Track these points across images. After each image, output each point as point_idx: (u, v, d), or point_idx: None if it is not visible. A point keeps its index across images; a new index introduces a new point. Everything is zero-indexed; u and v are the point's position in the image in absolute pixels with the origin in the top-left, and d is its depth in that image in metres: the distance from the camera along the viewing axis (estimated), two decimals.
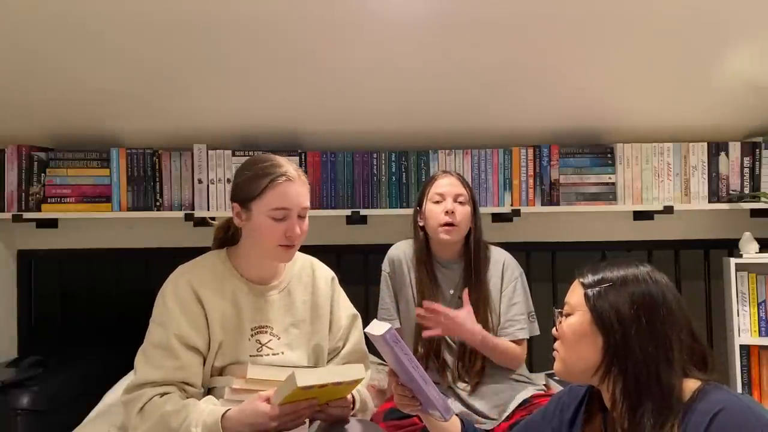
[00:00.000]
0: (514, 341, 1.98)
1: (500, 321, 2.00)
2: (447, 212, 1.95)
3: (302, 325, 1.64)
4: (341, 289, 1.76)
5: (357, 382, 1.45)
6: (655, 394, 1.09)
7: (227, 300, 1.57)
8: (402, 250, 2.09)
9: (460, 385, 1.96)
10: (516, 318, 2.00)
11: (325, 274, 1.73)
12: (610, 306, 1.13)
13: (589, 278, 1.18)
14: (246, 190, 1.53)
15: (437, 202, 1.99)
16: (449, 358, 1.99)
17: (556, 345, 1.22)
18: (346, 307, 1.75)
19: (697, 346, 1.15)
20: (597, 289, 1.15)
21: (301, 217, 1.55)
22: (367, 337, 1.41)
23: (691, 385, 1.10)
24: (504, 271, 2.04)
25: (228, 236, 1.67)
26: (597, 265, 1.20)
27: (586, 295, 1.16)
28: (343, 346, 1.72)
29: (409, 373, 1.30)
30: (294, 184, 1.52)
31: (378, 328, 1.28)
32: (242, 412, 1.40)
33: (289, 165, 1.55)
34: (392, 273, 2.09)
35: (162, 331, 1.51)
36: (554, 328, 1.22)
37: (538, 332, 2.06)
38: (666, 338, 1.11)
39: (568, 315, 1.19)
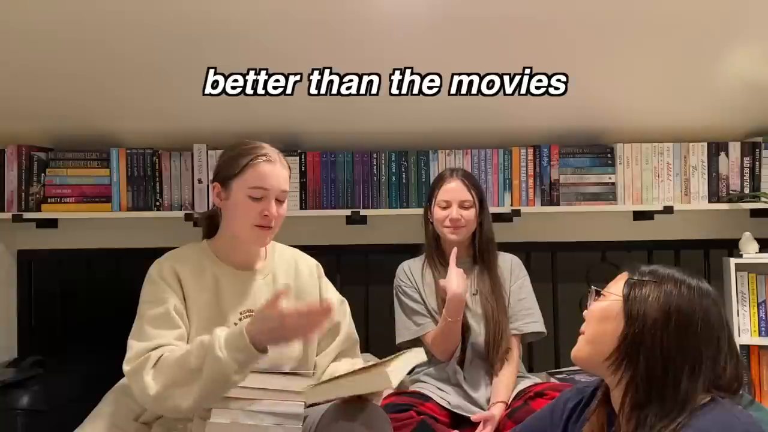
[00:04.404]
0: (519, 335, 2.04)
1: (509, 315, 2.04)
2: (452, 220, 2.02)
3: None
4: (326, 277, 1.78)
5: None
6: (667, 400, 1.07)
7: (208, 288, 1.58)
8: (408, 266, 2.13)
9: (458, 369, 1.97)
10: (525, 312, 2.05)
11: (308, 261, 1.77)
12: (643, 298, 1.12)
13: (638, 272, 1.17)
14: (227, 168, 1.59)
15: (444, 208, 2.04)
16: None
17: (583, 326, 1.21)
18: (333, 292, 1.78)
19: (729, 369, 1.12)
20: (639, 278, 1.15)
21: (279, 200, 1.59)
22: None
23: (701, 397, 1.08)
24: (511, 271, 2.10)
25: (212, 224, 1.68)
26: (651, 265, 1.19)
27: (626, 282, 1.16)
28: (339, 326, 1.72)
29: None
30: (274, 165, 1.58)
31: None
32: (259, 317, 1.38)
33: (271, 149, 1.61)
34: (408, 280, 2.10)
35: (160, 306, 1.51)
36: (585, 310, 1.22)
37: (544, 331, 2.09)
38: (697, 353, 1.08)
39: (602, 298, 1.19)
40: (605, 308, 1.17)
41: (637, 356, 1.10)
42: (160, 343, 1.46)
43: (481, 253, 2.07)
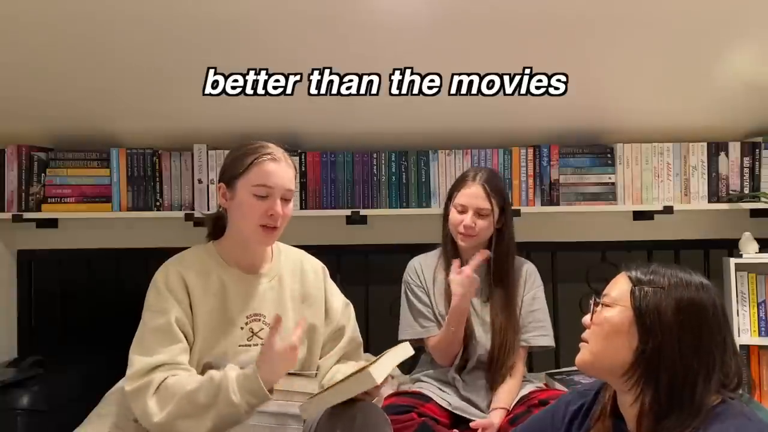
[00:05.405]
0: (528, 347, 2.01)
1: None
2: (465, 227, 1.96)
3: (293, 312, 1.64)
4: (331, 280, 1.78)
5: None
6: (685, 408, 1.04)
7: (214, 292, 1.57)
8: (420, 264, 2.09)
9: (456, 377, 1.96)
10: (535, 325, 2.01)
11: (314, 263, 1.76)
12: (656, 309, 1.07)
13: (639, 274, 1.12)
14: (232, 168, 1.59)
15: (460, 212, 1.98)
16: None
17: (586, 335, 1.16)
18: (338, 294, 1.77)
19: (734, 366, 1.10)
20: (645, 288, 1.10)
21: (285, 200, 1.58)
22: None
23: (711, 399, 1.06)
24: (526, 280, 2.05)
25: (218, 226, 1.67)
26: (648, 263, 1.15)
27: (632, 291, 1.11)
28: (344, 330, 1.72)
29: None
30: (279, 164, 1.57)
31: None
32: (267, 357, 1.43)
33: (276, 148, 1.61)
34: (417, 279, 2.06)
35: (162, 317, 1.50)
36: (587, 317, 1.17)
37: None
38: (710, 353, 1.06)
39: (606, 306, 1.14)
40: (612, 320, 1.11)
41: (658, 370, 1.06)
42: (163, 361, 1.46)
43: (497, 262, 2.00)
